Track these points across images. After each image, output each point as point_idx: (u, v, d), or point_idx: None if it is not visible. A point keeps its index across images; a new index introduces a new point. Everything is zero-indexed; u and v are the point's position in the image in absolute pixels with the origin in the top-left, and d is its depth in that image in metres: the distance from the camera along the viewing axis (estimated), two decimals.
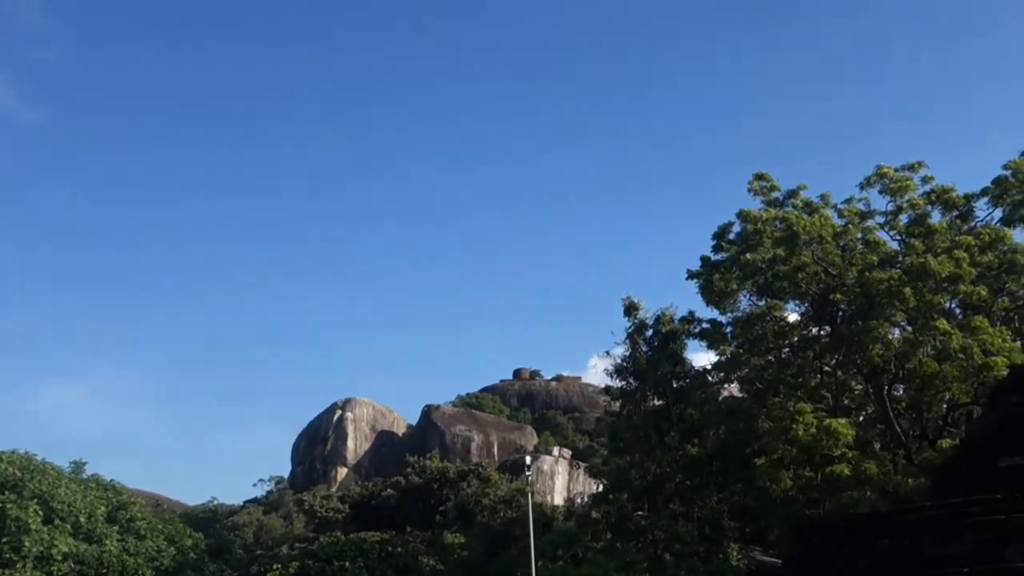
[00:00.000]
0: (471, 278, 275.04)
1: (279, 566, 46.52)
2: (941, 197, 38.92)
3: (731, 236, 41.48)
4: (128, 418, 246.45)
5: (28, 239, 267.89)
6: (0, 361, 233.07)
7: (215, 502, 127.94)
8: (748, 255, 37.69)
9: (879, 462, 33.98)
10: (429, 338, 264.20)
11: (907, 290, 33.24)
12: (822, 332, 39.36)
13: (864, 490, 32.33)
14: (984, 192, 38.97)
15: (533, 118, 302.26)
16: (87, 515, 39.45)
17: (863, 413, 41.52)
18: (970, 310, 36.38)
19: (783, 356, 40.62)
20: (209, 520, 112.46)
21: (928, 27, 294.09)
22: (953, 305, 37.11)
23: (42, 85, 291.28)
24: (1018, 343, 35.63)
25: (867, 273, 34.73)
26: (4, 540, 35.68)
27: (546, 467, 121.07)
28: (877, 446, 37.80)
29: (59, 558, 36.59)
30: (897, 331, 36.87)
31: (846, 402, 40.29)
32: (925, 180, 39.86)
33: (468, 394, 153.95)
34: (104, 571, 38.48)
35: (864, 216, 40.75)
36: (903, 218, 40.15)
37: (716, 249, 41.83)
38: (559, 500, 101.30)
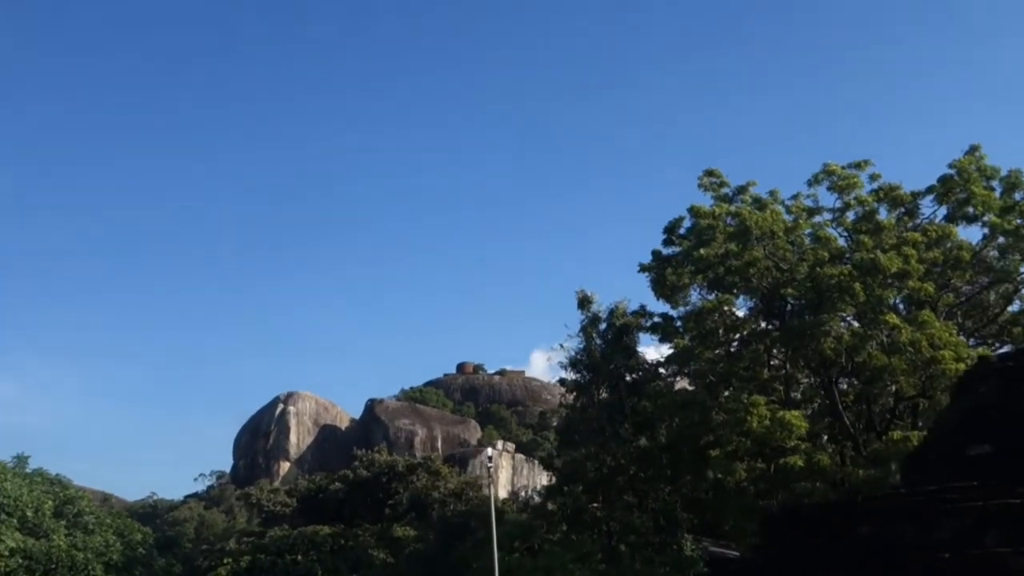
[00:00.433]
0: (414, 272, 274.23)
1: (230, 560, 46.01)
2: (888, 194, 39.85)
3: (681, 231, 42.00)
4: (63, 413, 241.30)
5: None
6: None
7: (155, 497, 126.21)
8: (701, 250, 38.18)
9: (828, 454, 34.72)
10: (372, 332, 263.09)
11: (857, 285, 33.98)
12: (771, 326, 40.07)
13: (815, 481, 32.96)
14: (930, 190, 39.99)
15: (476, 116, 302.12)
16: (34, 509, 38.57)
17: (811, 406, 42.37)
18: (914, 305, 37.35)
19: (732, 350, 41.28)
20: (149, 516, 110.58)
21: (875, 25, 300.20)
22: (897, 301, 38.03)
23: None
24: (962, 337, 36.76)
25: (818, 268, 35.41)
26: None
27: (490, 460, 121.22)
28: (824, 438, 38.67)
29: (6, 553, 35.69)
30: (846, 325, 37.67)
31: (795, 395, 41.07)
32: (872, 178, 40.78)
33: (412, 388, 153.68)
34: (53, 566, 37.68)
35: (812, 212, 41.54)
36: (850, 215, 41.02)
37: (667, 243, 42.29)
38: (503, 493, 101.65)
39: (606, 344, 40.76)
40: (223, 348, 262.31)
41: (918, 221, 40.62)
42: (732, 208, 39.30)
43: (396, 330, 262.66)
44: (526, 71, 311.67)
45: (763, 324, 40.74)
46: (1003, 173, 39.39)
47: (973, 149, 39.30)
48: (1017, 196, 38.88)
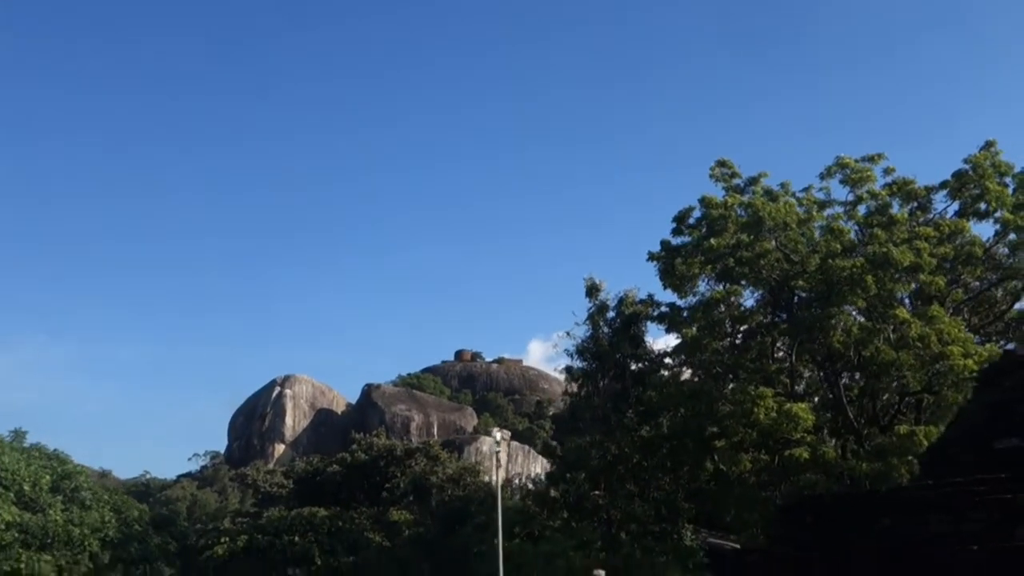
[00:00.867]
0: (414, 259, 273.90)
1: (227, 540, 45.75)
2: (902, 188, 39.42)
3: (691, 221, 41.66)
4: (59, 390, 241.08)
5: None
6: None
7: (148, 476, 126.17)
8: (712, 240, 37.83)
9: (832, 447, 34.49)
10: (371, 318, 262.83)
11: (869, 278, 33.65)
12: (778, 318, 39.77)
13: (820, 474, 32.74)
14: (943, 185, 39.58)
15: (477, 107, 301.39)
16: (31, 484, 38.29)
17: (813, 399, 42.12)
18: (921, 300, 37.05)
19: (738, 341, 40.99)
20: (142, 494, 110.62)
21: (891, 24, 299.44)
22: (903, 296, 37.71)
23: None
24: (970, 333, 36.46)
25: (830, 260, 35.07)
26: None
27: (485, 448, 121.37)
28: (826, 431, 38.42)
29: (2, 527, 35.46)
30: (854, 318, 37.35)
31: (798, 388, 40.82)
32: (886, 171, 40.34)
33: (409, 374, 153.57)
34: (49, 541, 37.45)
35: (823, 205, 41.14)
36: (862, 208, 40.60)
37: (676, 233, 41.92)
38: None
39: (613, 332, 40.48)
40: (221, 330, 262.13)
41: (930, 216, 40.22)
42: (744, 199, 38.88)
43: (395, 316, 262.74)
44: (529, 62, 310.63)
45: (770, 316, 40.42)
46: (1016, 170, 38.99)
47: (988, 145, 38.85)
48: None
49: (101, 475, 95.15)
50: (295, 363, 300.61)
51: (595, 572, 27.54)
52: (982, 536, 12.02)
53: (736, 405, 34.17)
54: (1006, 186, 38.59)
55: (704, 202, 40.45)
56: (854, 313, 36.99)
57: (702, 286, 40.88)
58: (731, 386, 38.11)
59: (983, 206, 37.96)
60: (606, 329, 41.18)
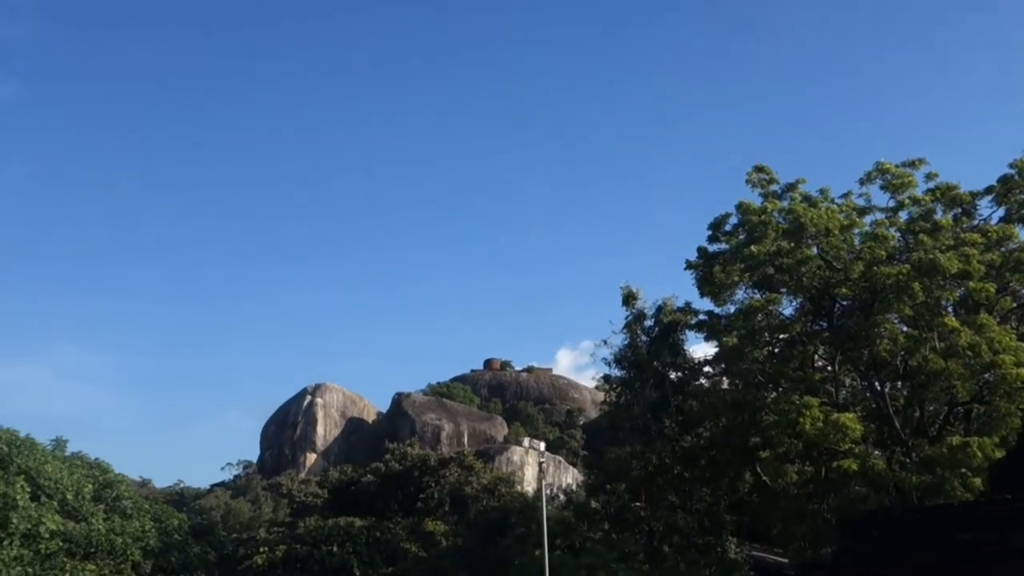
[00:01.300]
0: (443, 267, 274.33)
1: (266, 550, 45.76)
2: (946, 194, 38.82)
3: (727, 227, 41.29)
4: (94, 399, 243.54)
5: None
6: None
7: (181, 485, 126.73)
8: (752, 247, 37.39)
9: (881, 459, 33.88)
10: (400, 326, 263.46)
11: (916, 285, 33.08)
12: (818, 327, 39.24)
13: (869, 486, 32.15)
14: (988, 190, 38.98)
15: (505, 108, 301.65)
16: (74, 493, 38.44)
17: (856, 409, 41.50)
18: (964, 309, 36.41)
19: (776, 350, 40.50)
20: (176, 503, 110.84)
21: (926, 25, 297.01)
22: (946, 303, 37.07)
23: (9, 61, 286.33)
24: (1020, 342, 35.73)
25: (874, 267, 34.53)
26: None
27: (516, 458, 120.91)
28: (870, 442, 37.77)
29: (47, 536, 35.56)
30: (903, 327, 36.77)
31: (841, 398, 40.24)
32: (928, 177, 39.76)
33: (439, 383, 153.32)
34: (92, 550, 37.56)
35: (863, 212, 40.63)
36: (903, 215, 40.05)
37: (712, 240, 41.57)
38: (529, 491, 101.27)
39: (651, 341, 40.12)
40: (252, 339, 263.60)
41: (975, 222, 39.61)
42: (784, 205, 38.42)
43: (424, 325, 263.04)
44: (558, 62, 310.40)
45: (810, 324, 39.89)
46: None
47: None
48: None
49: (141, 484, 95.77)
50: (325, 372, 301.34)
51: None
52: None
53: (780, 415, 33.65)
54: None
55: (741, 208, 40.05)
56: (896, 321, 36.45)
57: (740, 294, 40.57)
58: (772, 395, 37.66)
59: None
60: (644, 337, 40.83)
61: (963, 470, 29.80)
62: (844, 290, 36.14)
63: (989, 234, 36.20)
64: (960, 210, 39.70)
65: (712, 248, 41.24)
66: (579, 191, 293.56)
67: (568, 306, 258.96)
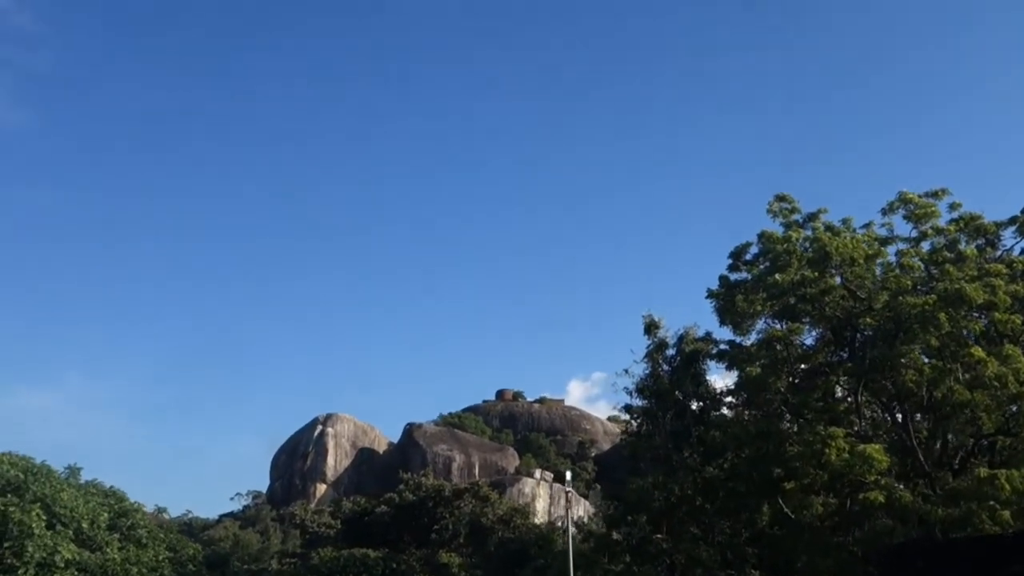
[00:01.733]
0: (455, 298, 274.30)
1: None
2: (970, 224, 38.51)
3: (748, 256, 41.04)
4: (101, 428, 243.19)
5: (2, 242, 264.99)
6: None
7: (191, 515, 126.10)
8: (776, 275, 37.11)
9: (908, 491, 33.37)
10: (412, 356, 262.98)
11: (942, 315, 32.72)
12: (838, 357, 38.86)
13: (896, 519, 31.62)
14: (1012, 220, 38.65)
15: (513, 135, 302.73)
16: (89, 521, 38.08)
17: (878, 440, 40.98)
18: (986, 340, 35.96)
19: (796, 381, 40.10)
20: (185, 533, 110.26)
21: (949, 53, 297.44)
22: (967, 333, 36.65)
23: (31, 89, 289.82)
24: None
25: (900, 297, 34.19)
26: (6, 545, 34.21)
27: (528, 489, 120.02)
28: (893, 474, 37.24)
29: (61, 565, 35.17)
30: (924, 358, 36.37)
31: (862, 429, 39.74)
32: (952, 207, 39.46)
33: (450, 413, 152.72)
34: None
35: (885, 242, 40.33)
36: (926, 245, 39.74)
37: (732, 269, 41.31)
38: (540, 523, 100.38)
39: (673, 370, 39.77)
40: (264, 369, 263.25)
41: (999, 253, 39.25)
42: (809, 234, 38.18)
43: (436, 355, 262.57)
44: (577, 79, 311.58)
45: (833, 355, 39.52)
46: None
47: None
48: None
49: (157, 512, 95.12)
50: (337, 402, 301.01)
51: None
52: None
53: (806, 446, 33.20)
54: None
55: (763, 237, 39.83)
56: (920, 352, 36.04)
57: (760, 323, 40.22)
58: (790, 426, 37.24)
59: None
60: (665, 367, 40.49)
61: (991, 503, 29.27)
62: (868, 320, 35.76)
63: (1014, 265, 35.84)
64: (984, 240, 39.36)
65: (733, 277, 40.97)
66: (592, 220, 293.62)
67: (580, 337, 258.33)
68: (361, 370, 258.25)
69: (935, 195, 40.17)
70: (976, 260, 37.12)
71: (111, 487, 44.84)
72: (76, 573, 36.30)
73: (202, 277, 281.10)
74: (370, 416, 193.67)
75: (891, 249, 40.04)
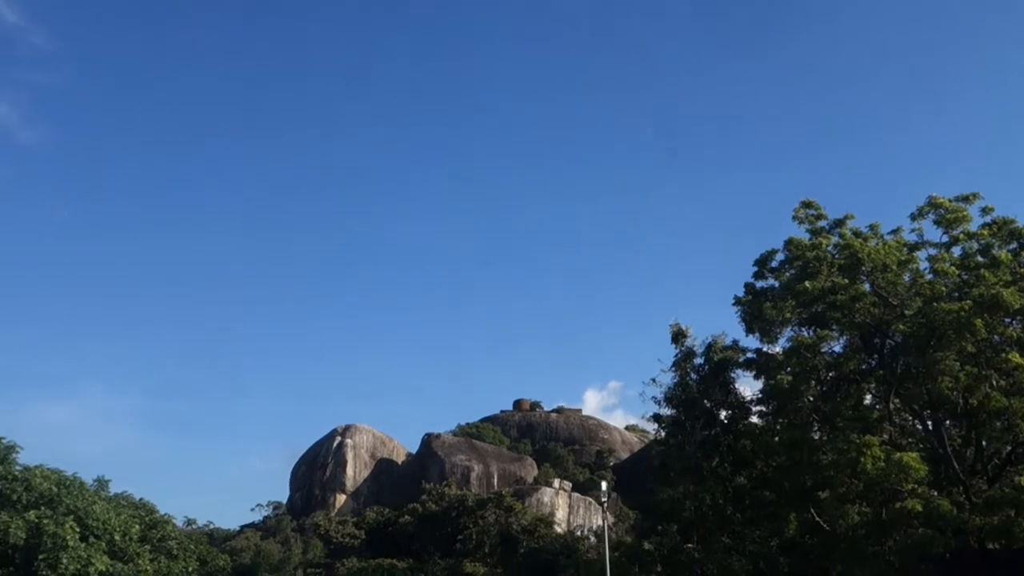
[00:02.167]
0: (473, 308, 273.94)
1: None
2: (1003, 228, 38.09)
3: (774, 264, 40.76)
4: (122, 440, 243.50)
5: (21, 257, 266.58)
6: None
7: (211, 526, 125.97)
8: (806, 283, 36.79)
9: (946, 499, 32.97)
10: (430, 367, 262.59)
11: (978, 321, 32.35)
12: (867, 364, 38.49)
13: (934, 528, 31.22)
14: None
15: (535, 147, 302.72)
16: (121, 533, 38.12)
17: (911, 448, 40.57)
18: (1020, 347, 35.53)
19: (824, 389, 39.73)
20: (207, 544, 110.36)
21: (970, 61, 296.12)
22: (1002, 339, 36.22)
23: (44, 107, 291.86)
24: None
25: (935, 303, 33.80)
26: (41, 557, 34.30)
27: (546, 499, 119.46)
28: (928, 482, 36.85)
29: None
30: (958, 364, 35.97)
31: (895, 437, 39.36)
32: (984, 211, 39.02)
33: (468, 423, 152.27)
34: None
35: (915, 247, 39.95)
36: (956, 250, 39.32)
37: (758, 276, 41.02)
38: (560, 532, 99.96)
39: (701, 379, 39.51)
40: (281, 381, 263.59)
41: None
42: (839, 240, 37.85)
43: (454, 365, 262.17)
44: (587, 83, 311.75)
45: (864, 362, 39.13)
46: None
47: None
48: None
49: (187, 523, 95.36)
50: (355, 413, 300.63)
51: None
52: None
53: (840, 454, 32.88)
54: None
55: (790, 244, 39.51)
56: (952, 358, 35.62)
57: (788, 330, 39.85)
58: (823, 436, 36.86)
59: None
60: (694, 376, 40.22)
61: None
62: (900, 327, 35.38)
63: None
64: (1017, 244, 38.93)
65: (760, 284, 40.68)
66: (599, 227, 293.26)
67: (596, 347, 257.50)
68: (379, 381, 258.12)
69: (966, 199, 39.71)
70: (1010, 265, 36.70)
71: (141, 499, 45.05)
72: None
73: (220, 286, 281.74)
74: (388, 427, 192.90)
75: (921, 255, 39.70)
